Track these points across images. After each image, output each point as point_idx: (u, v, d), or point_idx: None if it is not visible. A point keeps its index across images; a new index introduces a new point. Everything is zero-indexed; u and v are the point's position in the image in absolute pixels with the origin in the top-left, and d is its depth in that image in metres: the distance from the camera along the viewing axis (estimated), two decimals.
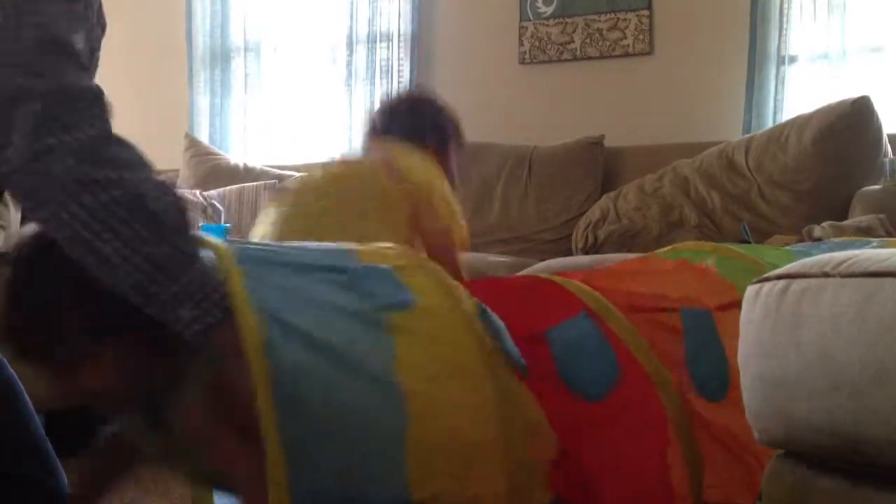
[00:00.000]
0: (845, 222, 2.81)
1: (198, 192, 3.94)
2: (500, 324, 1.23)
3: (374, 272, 1.20)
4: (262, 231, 1.97)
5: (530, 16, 3.99)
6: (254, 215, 3.88)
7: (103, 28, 1.16)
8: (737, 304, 1.32)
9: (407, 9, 4.14)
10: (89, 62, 1.09)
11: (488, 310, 1.24)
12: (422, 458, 1.08)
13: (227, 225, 3.60)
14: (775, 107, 3.56)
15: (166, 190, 1.07)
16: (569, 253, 3.42)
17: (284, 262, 1.17)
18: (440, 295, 1.21)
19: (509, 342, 1.22)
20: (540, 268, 2.96)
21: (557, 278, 1.50)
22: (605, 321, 1.35)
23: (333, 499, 1.06)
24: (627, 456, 1.27)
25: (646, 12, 3.81)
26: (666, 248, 1.78)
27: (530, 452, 1.18)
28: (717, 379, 1.36)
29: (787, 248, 1.87)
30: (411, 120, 2.15)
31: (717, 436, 1.34)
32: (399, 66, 4.15)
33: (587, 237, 3.38)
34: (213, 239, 1.17)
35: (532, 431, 1.19)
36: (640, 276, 1.58)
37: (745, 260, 1.60)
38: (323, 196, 1.99)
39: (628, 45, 3.83)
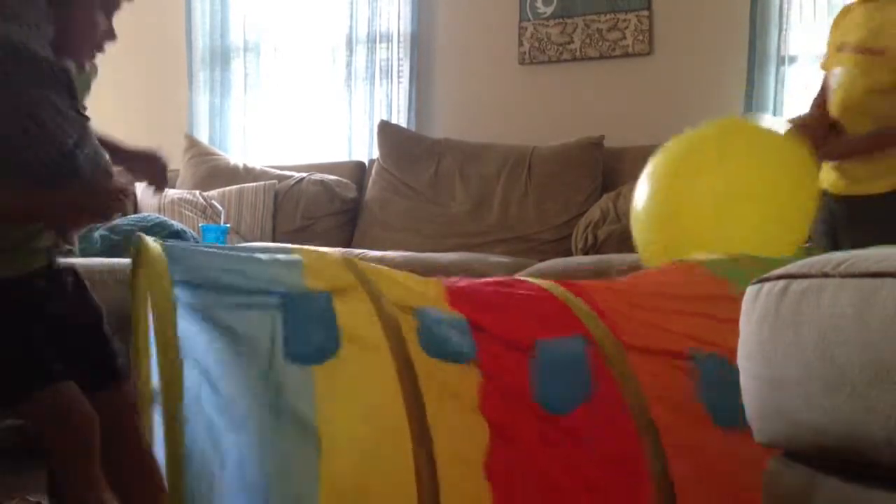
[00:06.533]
0: None
1: (197, 192, 3.94)
2: (441, 326, 1.26)
3: (307, 302, 1.25)
4: None
5: (530, 16, 3.99)
6: (253, 216, 3.89)
7: None
8: (728, 298, 1.32)
9: (407, 9, 4.14)
10: None
11: (430, 314, 1.28)
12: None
13: (227, 225, 3.60)
14: (775, 107, 3.56)
15: None
16: (569, 253, 3.42)
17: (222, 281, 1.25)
18: (372, 328, 1.24)
19: (449, 341, 1.25)
20: (542, 268, 2.96)
21: (569, 296, 1.46)
22: (603, 355, 1.33)
23: None
24: (591, 475, 1.24)
25: (645, 13, 3.81)
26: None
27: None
28: (733, 406, 1.27)
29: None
30: None
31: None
32: (399, 66, 4.15)
33: (587, 237, 3.38)
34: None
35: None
36: (644, 297, 1.53)
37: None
38: None
39: (628, 46, 3.83)
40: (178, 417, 1.09)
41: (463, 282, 1.51)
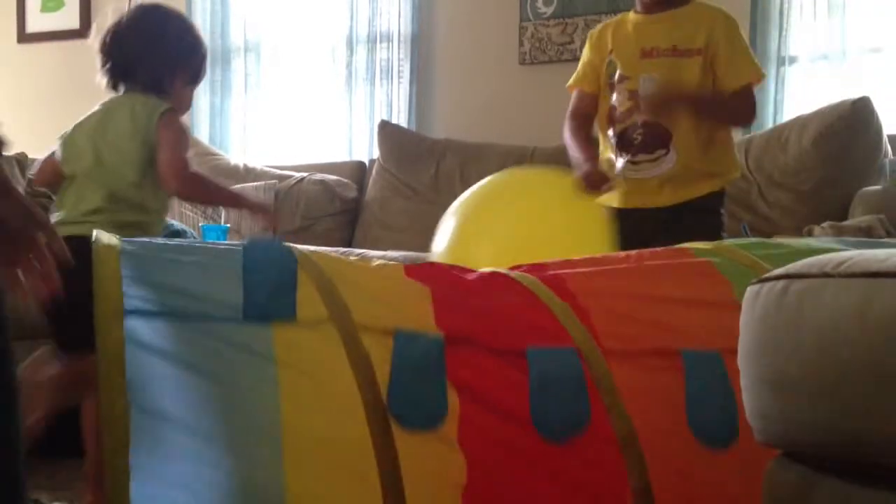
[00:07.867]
0: (845, 223, 2.81)
1: None
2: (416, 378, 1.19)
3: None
4: None
5: (530, 16, 3.99)
6: (253, 215, 3.88)
7: None
8: (732, 306, 1.28)
9: (407, 9, 4.14)
10: None
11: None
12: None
13: (227, 225, 3.60)
14: (775, 107, 3.55)
15: None
16: None
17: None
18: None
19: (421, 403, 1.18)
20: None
21: (529, 278, 1.39)
22: (588, 363, 1.26)
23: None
24: None
25: None
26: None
27: None
28: (724, 424, 1.25)
29: (805, 242, 1.77)
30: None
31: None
32: (399, 66, 4.15)
33: None
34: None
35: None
36: (631, 276, 1.47)
37: (743, 260, 1.54)
38: None
39: None
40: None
41: (448, 277, 1.42)
